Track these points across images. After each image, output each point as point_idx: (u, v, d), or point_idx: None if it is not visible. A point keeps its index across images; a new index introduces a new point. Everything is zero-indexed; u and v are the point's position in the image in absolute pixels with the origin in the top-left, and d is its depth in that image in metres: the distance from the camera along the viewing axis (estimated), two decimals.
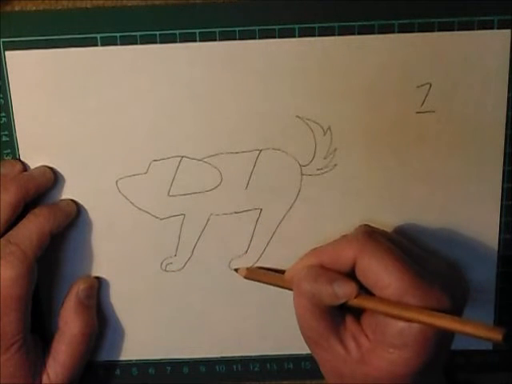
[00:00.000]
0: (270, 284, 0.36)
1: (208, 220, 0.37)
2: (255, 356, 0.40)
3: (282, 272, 0.36)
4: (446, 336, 0.31)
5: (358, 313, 0.33)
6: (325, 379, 0.39)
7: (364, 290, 0.32)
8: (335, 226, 0.37)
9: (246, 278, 0.37)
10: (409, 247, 0.33)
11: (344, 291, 0.31)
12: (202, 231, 0.37)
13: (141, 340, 0.39)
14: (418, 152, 0.36)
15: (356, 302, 0.31)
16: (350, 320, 0.33)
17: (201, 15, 0.35)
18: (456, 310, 0.30)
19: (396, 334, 0.30)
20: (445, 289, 0.30)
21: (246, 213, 0.37)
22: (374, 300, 0.31)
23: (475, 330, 0.28)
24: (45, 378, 0.36)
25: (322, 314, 0.32)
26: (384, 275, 0.30)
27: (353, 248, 0.31)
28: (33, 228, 0.34)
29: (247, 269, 0.37)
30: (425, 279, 0.30)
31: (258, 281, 0.37)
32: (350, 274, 0.32)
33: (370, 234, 0.32)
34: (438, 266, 0.32)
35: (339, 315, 0.33)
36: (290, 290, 0.34)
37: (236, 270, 0.38)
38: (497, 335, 0.28)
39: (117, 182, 0.37)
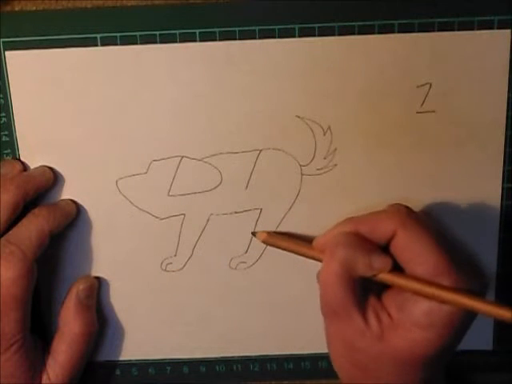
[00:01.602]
0: (292, 251, 0.35)
1: (208, 220, 0.37)
2: (255, 356, 0.40)
3: (308, 242, 0.35)
4: (466, 323, 0.31)
5: (379, 290, 0.33)
6: (325, 379, 0.39)
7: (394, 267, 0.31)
8: None
9: (264, 242, 0.36)
10: (442, 232, 0.33)
11: (380, 264, 0.31)
12: (202, 231, 0.37)
13: (141, 340, 0.39)
14: (418, 152, 0.36)
15: (388, 278, 0.31)
16: (371, 296, 0.32)
17: (201, 15, 0.35)
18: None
19: (424, 313, 0.30)
20: (473, 276, 0.30)
21: (246, 213, 0.37)
22: (407, 277, 0.31)
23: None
24: (45, 378, 0.36)
25: (349, 283, 0.31)
26: (422, 252, 0.30)
27: (394, 221, 0.31)
28: (32, 228, 0.34)
29: (267, 233, 0.36)
30: (459, 264, 0.30)
31: (278, 247, 0.35)
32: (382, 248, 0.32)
33: (412, 212, 0.32)
34: (462, 254, 0.32)
35: (362, 290, 0.32)
36: (313, 259, 0.33)
37: (254, 233, 0.37)
38: None
39: (117, 181, 0.37)
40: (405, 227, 0.31)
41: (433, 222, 0.33)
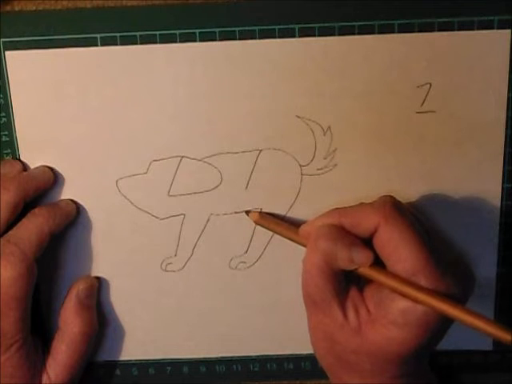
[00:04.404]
0: (281, 234, 0.35)
1: (208, 220, 0.37)
2: (255, 356, 0.40)
3: (297, 227, 0.35)
4: (444, 324, 0.31)
5: (360, 284, 0.33)
6: (325, 379, 0.39)
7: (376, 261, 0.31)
8: None
9: (256, 223, 0.36)
10: (430, 229, 0.33)
11: (360, 258, 0.31)
12: (202, 231, 0.37)
13: (141, 340, 0.39)
14: (418, 152, 0.36)
15: (368, 272, 0.31)
16: (353, 289, 0.32)
17: (201, 15, 0.35)
18: (462, 303, 0.30)
19: (400, 311, 0.30)
20: (455, 278, 0.30)
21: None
22: (386, 273, 0.30)
23: (486, 326, 0.28)
24: (45, 378, 0.36)
25: (330, 275, 0.31)
26: (403, 248, 0.30)
27: (378, 215, 0.31)
28: (32, 228, 0.34)
29: (259, 213, 0.36)
30: (440, 263, 0.30)
31: (269, 229, 0.36)
32: (365, 242, 0.32)
33: (397, 205, 0.32)
34: (451, 254, 0.32)
35: (344, 282, 0.32)
36: (300, 244, 0.34)
37: (247, 212, 0.37)
38: (507, 336, 0.27)
39: (117, 181, 0.37)
40: (387, 223, 0.31)
41: (420, 219, 0.33)
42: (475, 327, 0.28)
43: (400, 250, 0.30)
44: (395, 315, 0.30)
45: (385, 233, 0.31)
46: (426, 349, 0.32)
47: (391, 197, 0.33)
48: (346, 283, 0.32)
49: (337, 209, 0.33)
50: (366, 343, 0.31)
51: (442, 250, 0.32)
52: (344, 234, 0.32)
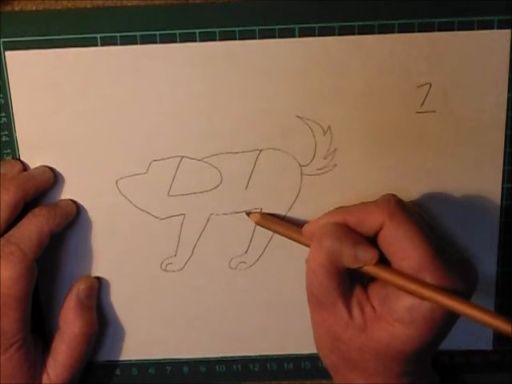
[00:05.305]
0: (283, 235, 0.35)
1: (208, 220, 0.37)
2: (255, 356, 0.40)
3: (298, 227, 0.35)
4: (449, 321, 0.31)
5: (364, 281, 0.33)
6: (325, 379, 0.39)
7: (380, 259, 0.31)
8: None
9: (257, 224, 0.36)
10: (434, 226, 0.33)
11: (365, 256, 0.31)
12: (202, 231, 0.37)
13: (141, 340, 0.39)
14: (418, 152, 0.36)
15: (373, 270, 0.31)
16: (357, 287, 0.32)
17: (201, 15, 0.35)
18: (467, 299, 0.30)
19: (405, 309, 0.30)
20: (460, 274, 0.30)
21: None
22: (392, 271, 0.30)
23: (493, 320, 0.28)
24: (45, 378, 0.36)
25: (334, 273, 0.31)
26: (408, 246, 0.30)
27: (383, 213, 0.31)
28: (32, 228, 0.34)
29: (260, 214, 0.36)
30: (445, 260, 0.30)
31: (270, 229, 0.36)
32: (370, 240, 0.32)
33: (401, 203, 0.32)
34: (455, 251, 0.32)
35: (348, 280, 0.32)
36: (303, 244, 0.33)
37: (248, 214, 0.37)
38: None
39: (117, 181, 0.37)
40: (392, 221, 0.31)
41: (424, 217, 0.33)
42: (482, 322, 0.28)
43: (405, 247, 0.30)
44: (401, 312, 0.30)
45: (390, 230, 0.31)
46: (431, 347, 0.32)
47: (394, 195, 0.33)
48: (350, 281, 0.32)
49: (341, 207, 0.33)
50: (370, 341, 0.31)
51: (446, 247, 0.32)
52: (349, 232, 0.32)
